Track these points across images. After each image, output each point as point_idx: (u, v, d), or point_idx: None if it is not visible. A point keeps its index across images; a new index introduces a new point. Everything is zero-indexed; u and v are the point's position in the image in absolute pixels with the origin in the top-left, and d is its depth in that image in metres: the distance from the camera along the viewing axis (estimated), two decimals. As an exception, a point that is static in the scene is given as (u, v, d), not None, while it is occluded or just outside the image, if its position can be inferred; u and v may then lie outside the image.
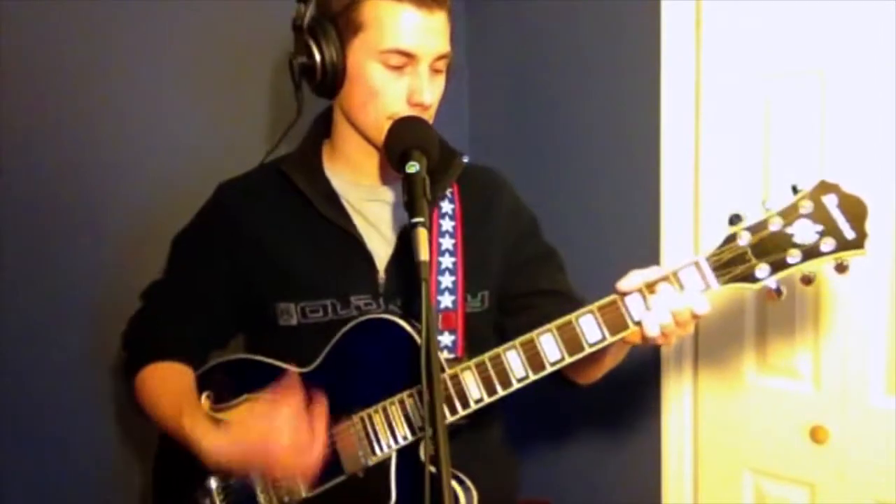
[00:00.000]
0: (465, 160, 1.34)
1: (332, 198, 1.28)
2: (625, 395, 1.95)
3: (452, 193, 1.34)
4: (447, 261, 1.28)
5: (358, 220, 1.28)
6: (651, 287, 1.11)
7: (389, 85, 1.19)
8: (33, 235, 1.61)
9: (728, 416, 1.78)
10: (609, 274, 1.88)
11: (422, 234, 1.04)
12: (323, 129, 1.33)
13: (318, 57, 1.20)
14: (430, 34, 1.19)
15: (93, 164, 1.67)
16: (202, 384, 1.28)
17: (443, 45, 1.20)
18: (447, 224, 1.31)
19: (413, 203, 1.07)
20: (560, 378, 1.31)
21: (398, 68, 1.19)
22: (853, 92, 1.55)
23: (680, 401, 1.85)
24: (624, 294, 1.13)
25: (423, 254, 1.01)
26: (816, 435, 1.62)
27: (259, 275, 1.27)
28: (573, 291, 1.36)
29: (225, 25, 1.84)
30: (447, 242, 1.30)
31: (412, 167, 1.10)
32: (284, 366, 1.24)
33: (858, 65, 1.54)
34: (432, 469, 0.94)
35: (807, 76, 1.61)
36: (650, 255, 1.84)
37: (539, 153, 2.09)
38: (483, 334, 1.29)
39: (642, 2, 1.83)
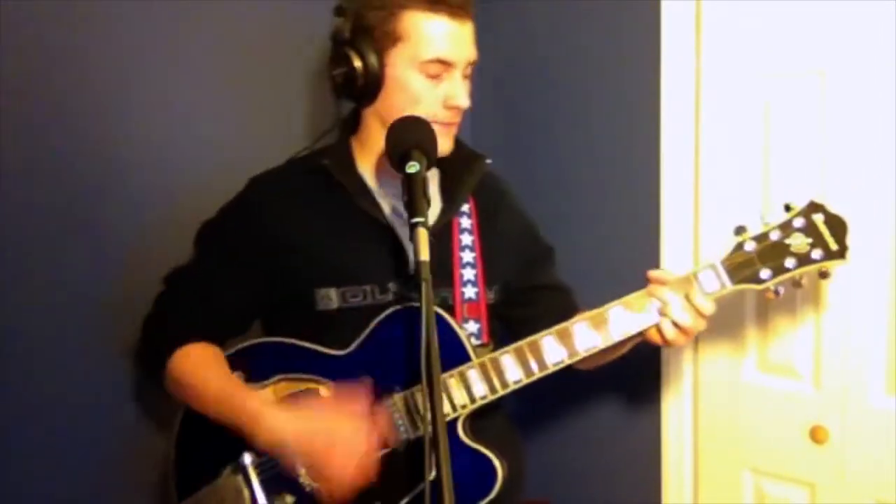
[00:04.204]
0: (489, 162, 1.44)
1: (366, 192, 1.36)
2: (624, 395, 1.96)
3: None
4: (468, 255, 1.39)
5: (388, 213, 1.35)
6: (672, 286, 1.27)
7: (429, 92, 1.29)
8: (49, 232, 1.61)
9: (728, 415, 1.78)
10: (608, 274, 1.89)
11: (422, 234, 1.05)
12: (351, 128, 1.41)
13: (359, 67, 1.28)
14: (463, 42, 1.29)
15: (107, 161, 1.68)
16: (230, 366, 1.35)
17: (473, 52, 1.32)
18: (466, 222, 1.42)
19: (413, 203, 1.08)
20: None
21: (436, 77, 1.28)
22: (854, 92, 1.55)
23: (680, 400, 1.85)
24: (654, 285, 1.27)
25: (424, 254, 1.03)
26: (816, 435, 1.62)
27: (296, 264, 1.33)
28: (562, 282, 1.56)
29: (238, 26, 1.84)
30: (467, 239, 1.40)
31: (412, 167, 1.13)
32: (321, 349, 1.31)
33: (859, 65, 1.54)
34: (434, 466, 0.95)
35: (807, 76, 1.61)
36: (650, 255, 1.84)
37: (539, 153, 2.09)
38: (494, 324, 1.42)
39: (642, 2, 1.83)
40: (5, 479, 1.56)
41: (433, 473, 0.95)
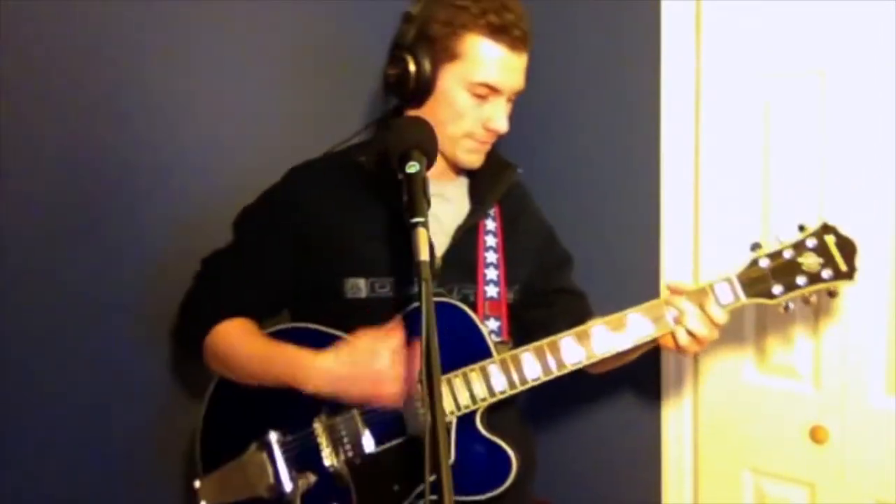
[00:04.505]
0: (520, 171, 1.52)
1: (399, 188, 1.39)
2: (624, 395, 1.95)
3: None
4: (491, 256, 1.46)
5: None
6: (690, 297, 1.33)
7: (472, 111, 1.37)
8: (53, 232, 1.61)
9: (728, 415, 1.78)
10: (608, 274, 1.89)
11: (421, 234, 1.05)
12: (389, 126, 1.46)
13: (413, 72, 1.34)
14: (515, 72, 1.37)
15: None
16: None
17: (522, 82, 1.40)
18: (490, 224, 1.49)
19: (413, 203, 1.09)
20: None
21: (482, 98, 1.36)
22: (854, 92, 1.55)
23: (680, 400, 1.85)
24: (672, 294, 1.33)
25: (423, 254, 1.03)
26: (816, 435, 1.62)
27: (327, 253, 1.38)
28: (578, 288, 1.61)
29: (239, 26, 1.84)
30: (491, 240, 1.47)
31: (412, 167, 1.14)
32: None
33: (859, 65, 1.54)
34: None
35: (807, 76, 1.61)
36: (650, 255, 1.84)
37: (538, 153, 2.09)
38: (514, 323, 1.48)
39: (642, 2, 1.83)
40: (17, 473, 1.57)
41: (434, 473, 0.96)
